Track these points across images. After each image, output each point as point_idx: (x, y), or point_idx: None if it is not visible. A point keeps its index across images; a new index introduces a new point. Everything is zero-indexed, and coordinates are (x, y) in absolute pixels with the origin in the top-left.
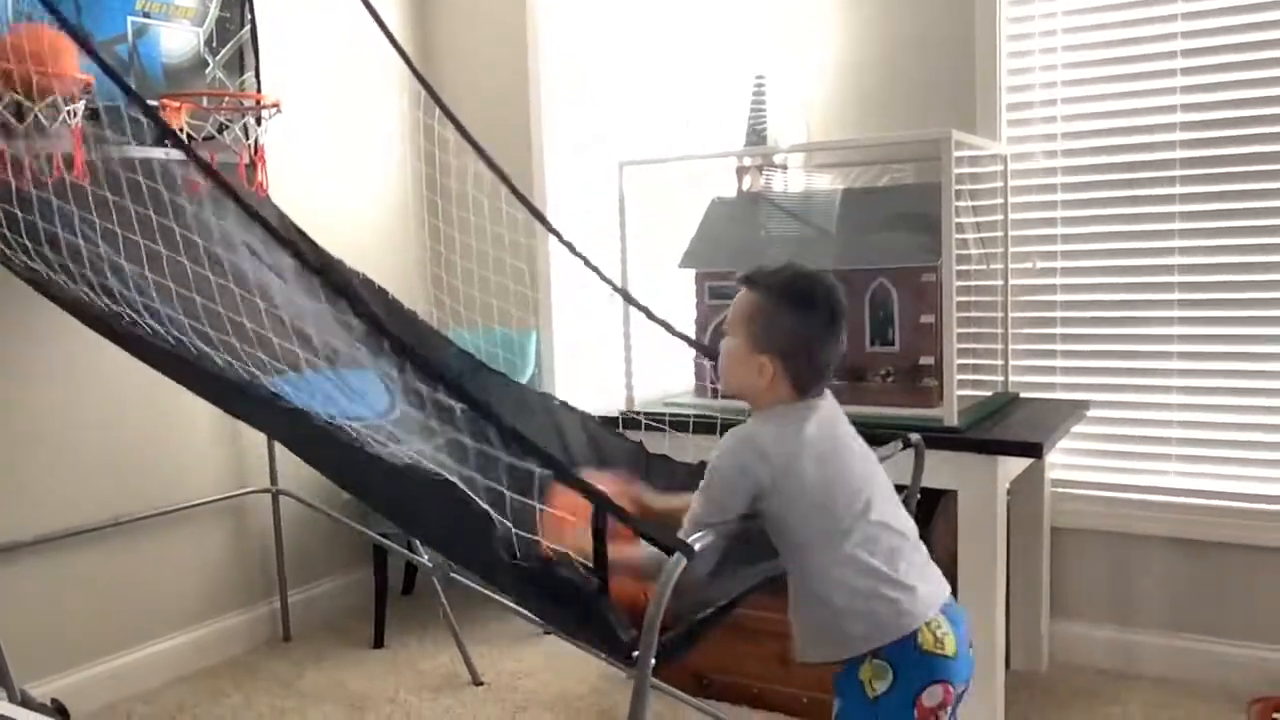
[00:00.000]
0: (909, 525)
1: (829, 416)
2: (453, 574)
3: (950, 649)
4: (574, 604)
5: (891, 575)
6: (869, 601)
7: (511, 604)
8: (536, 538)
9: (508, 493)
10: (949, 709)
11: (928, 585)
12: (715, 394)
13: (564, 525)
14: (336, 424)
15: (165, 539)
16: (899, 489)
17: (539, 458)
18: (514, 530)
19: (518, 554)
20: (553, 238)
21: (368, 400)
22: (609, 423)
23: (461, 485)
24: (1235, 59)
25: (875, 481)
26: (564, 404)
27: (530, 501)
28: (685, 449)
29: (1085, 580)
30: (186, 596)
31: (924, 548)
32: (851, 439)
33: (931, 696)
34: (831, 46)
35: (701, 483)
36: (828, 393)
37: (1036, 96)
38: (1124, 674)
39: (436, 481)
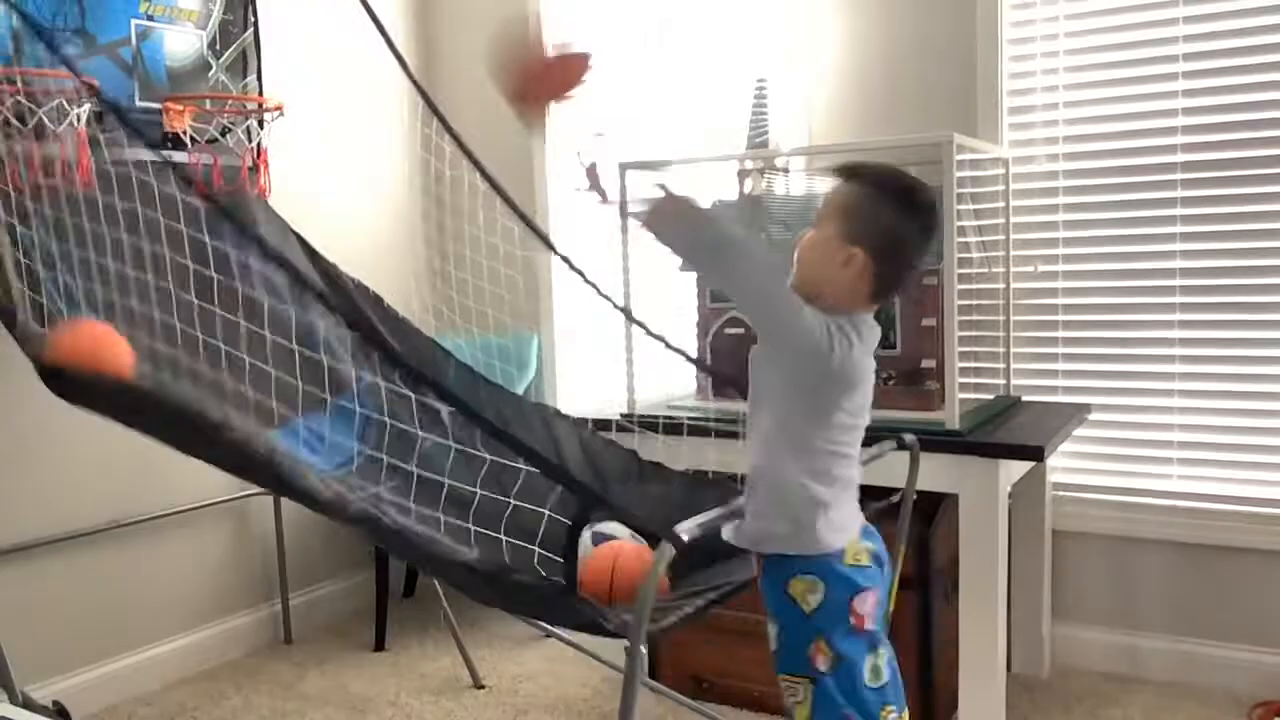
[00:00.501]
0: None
1: (873, 343)
2: None
3: (866, 559)
4: (540, 605)
5: (844, 496)
6: (821, 511)
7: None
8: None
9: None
10: (873, 613)
11: (855, 514)
12: (717, 397)
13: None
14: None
15: (167, 541)
16: (894, 490)
17: (530, 457)
18: (473, 529)
19: (474, 558)
20: (553, 254)
21: (334, 446)
22: (608, 427)
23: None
24: (1237, 63)
25: (868, 413)
26: (558, 412)
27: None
28: (683, 455)
29: (1087, 584)
30: (188, 599)
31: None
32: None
33: (861, 604)
34: (833, 50)
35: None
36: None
37: (1038, 100)
38: (1125, 678)
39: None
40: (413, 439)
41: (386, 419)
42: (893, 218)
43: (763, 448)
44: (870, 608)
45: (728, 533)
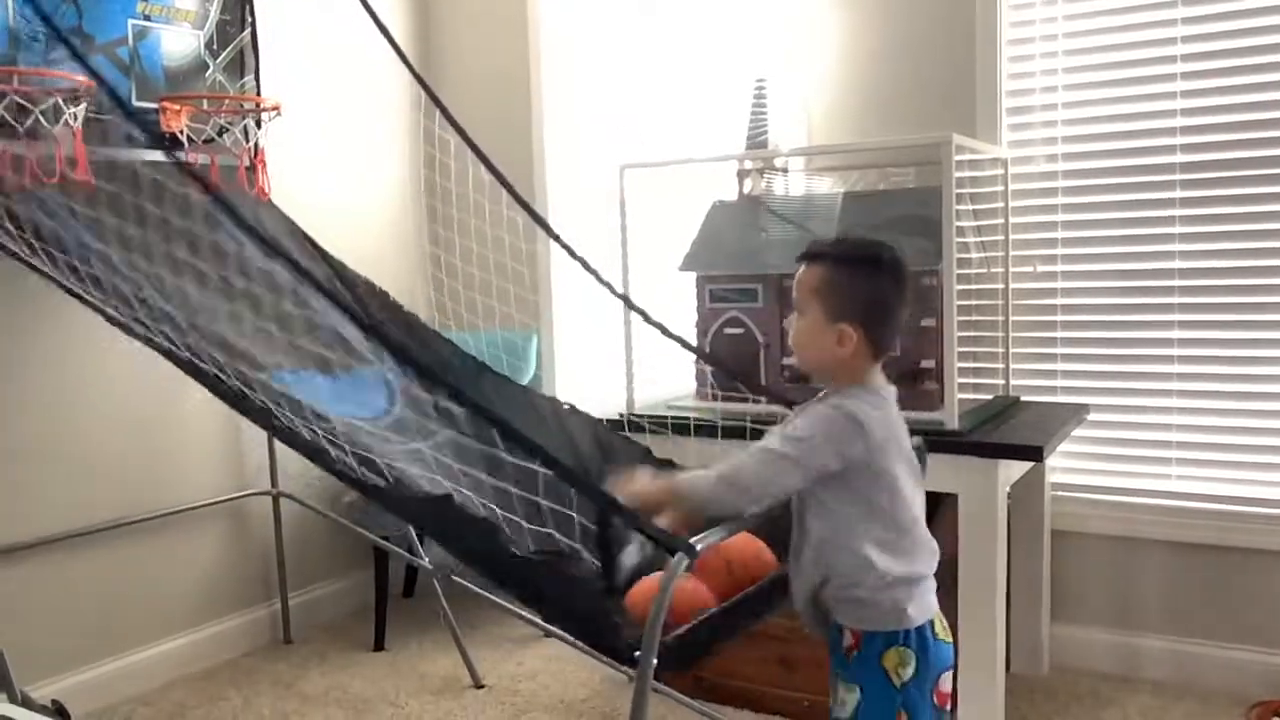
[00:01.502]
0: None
1: (894, 400)
2: (454, 576)
3: (948, 637)
4: (579, 601)
5: (918, 564)
6: (904, 585)
7: (514, 606)
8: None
9: (513, 490)
10: (949, 695)
11: (930, 591)
12: (716, 397)
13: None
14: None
15: (166, 541)
16: None
17: (544, 459)
18: (525, 525)
19: (528, 549)
20: (553, 240)
21: (366, 401)
22: (611, 425)
23: (455, 491)
24: (1235, 64)
25: (915, 477)
26: (572, 408)
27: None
28: (686, 453)
29: (1086, 584)
30: (187, 598)
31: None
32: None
33: (945, 684)
34: (832, 50)
35: (784, 432)
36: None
37: (1037, 100)
38: (1124, 678)
39: (434, 496)
40: (432, 432)
41: (410, 412)
42: (866, 284)
43: (819, 527)
44: (950, 689)
45: (803, 615)
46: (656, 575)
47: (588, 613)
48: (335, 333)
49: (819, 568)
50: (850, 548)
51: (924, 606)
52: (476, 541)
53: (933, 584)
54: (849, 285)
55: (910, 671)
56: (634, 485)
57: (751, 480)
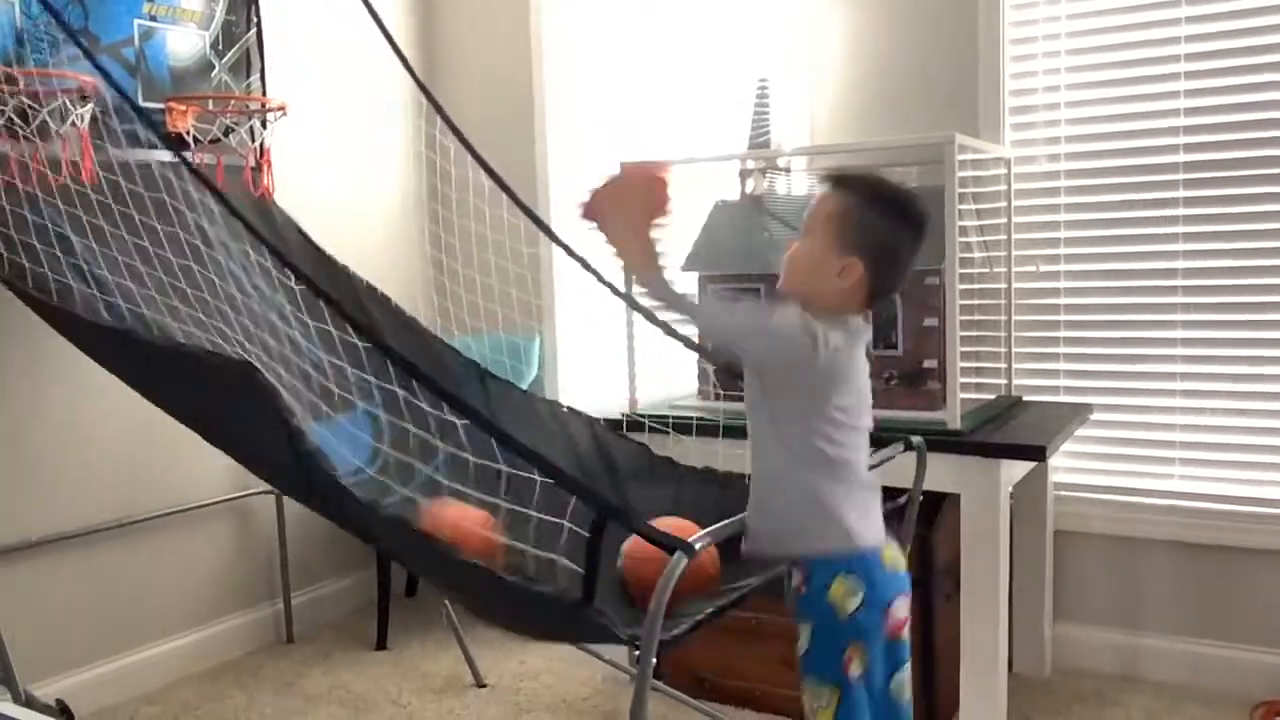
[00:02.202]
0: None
1: (863, 341)
2: None
3: (902, 566)
4: (558, 616)
5: (867, 488)
6: (851, 502)
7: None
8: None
9: (503, 502)
10: (906, 624)
11: (879, 510)
12: (719, 396)
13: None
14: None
15: (169, 540)
16: (901, 491)
17: (542, 467)
18: (529, 550)
19: (518, 575)
20: (554, 244)
21: (350, 451)
22: (613, 425)
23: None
24: (1239, 63)
25: (869, 406)
26: (571, 410)
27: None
28: (689, 453)
29: (1088, 584)
30: (190, 598)
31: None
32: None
33: (898, 610)
34: (835, 50)
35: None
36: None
37: (1040, 100)
38: (1127, 678)
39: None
40: (431, 449)
41: (408, 425)
42: (887, 228)
43: (765, 453)
44: (904, 617)
45: (751, 548)
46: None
47: (569, 624)
48: (321, 371)
49: (766, 492)
50: (792, 463)
51: (866, 531)
52: (437, 562)
53: (877, 512)
54: (868, 221)
55: (857, 601)
56: (634, 244)
57: (718, 315)
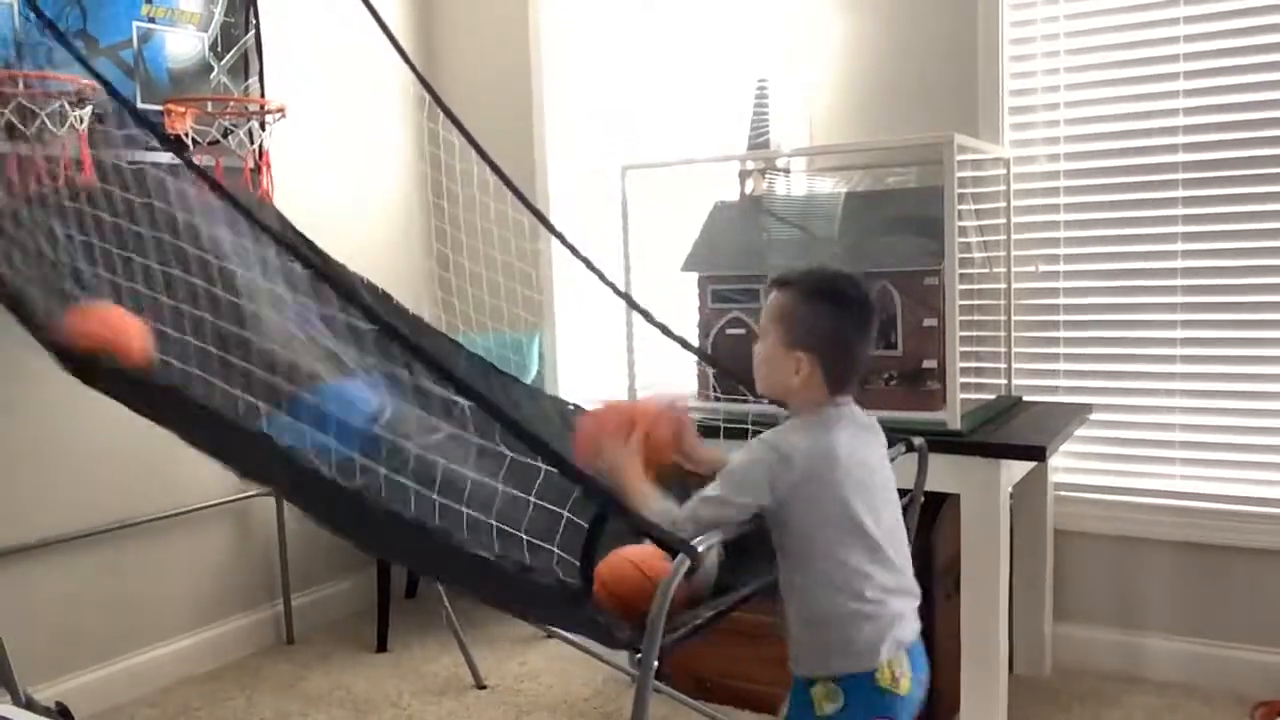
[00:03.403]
0: (906, 559)
1: (863, 432)
2: None
3: (904, 688)
4: (557, 608)
5: (868, 612)
6: (839, 631)
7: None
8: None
9: (500, 485)
10: None
11: (899, 628)
12: (718, 397)
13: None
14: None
15: (169, 542)
16: (902, 493)
17: (544, 453)
18: (495, 525)
19: (495, 554)
20: (556, 240)
21: (354, 409)
22: None
23: (439, 499)
24: (1238, 62)
25: (890, 511)
26: (577, 407)
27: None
28: None
29: (1088, 584)
30: (190, 600)
31: (913, 581)
32: (881, 467)
33: None
34: (834, 50)
35: (722, 472)
36: (859, 410)
37: (1039, 100)
38: (1127, 678)
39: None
40: (432, 429)
41: (407, 402)
42: (826, 316)
43: (794, 592)
44: None
45: (796, 668)
46: (625, 550)
47: (568, 617)
48: (325, 348)
49: (796, 618)
50: (795, 586)
51: (859, 656)
52: (445, 553)
53: (887, 631)
54: (809, 316)
55: (836, 708)
56: (627, 471)
57: (694, 526)
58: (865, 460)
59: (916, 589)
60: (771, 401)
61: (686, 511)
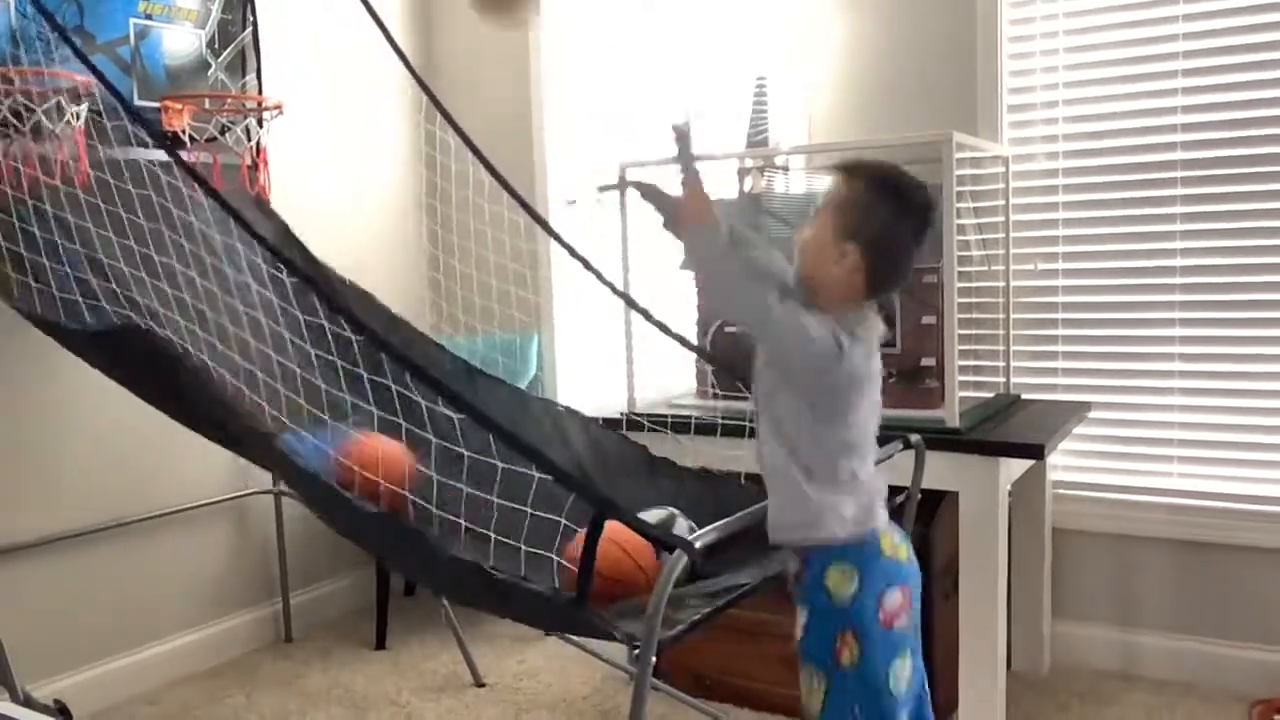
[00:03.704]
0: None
1: (877, 340)
2: None
3: (905, 555)
4: (553, 615)
5: (866, 480)
6: (845, 495)
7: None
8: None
9: (496, 498)
10: (904, 614)
11: (882, 504)
12: (717, 395)
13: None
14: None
15: (168, 540)
16: (899, 489)
17: (540, 463)
18: (494, 536)
19: (490, 564)
20: (554, 240)
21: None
22: (611, 425)
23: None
24: (1237, 60)
25: (875, 421)
26: (568, 409)
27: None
28: (686, 452)
29: (1087, 582)
30: (189, 597)
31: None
32: (880, 374)
33: (892, 600)
34: (833, 48)
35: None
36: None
37: (1038, 98)
38: (1125, 676)
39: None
40: (426, 444)
41: (400, 421)
42: (888, 216)
43: (773, 448)
44: (900, 606)
45: (780, 537)
46: (611, 532)
47: (565, 623)
48: (309, 368)
49: (769, 483)
50: (791, 462)
51: (863, 518)
52: (449, 568)
53: (878, 502)
54: (869, 209)
55: (852, 589)
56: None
57: (760, 298)
58: (878, 370)
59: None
60: (799, 286)
61: (773, 298)
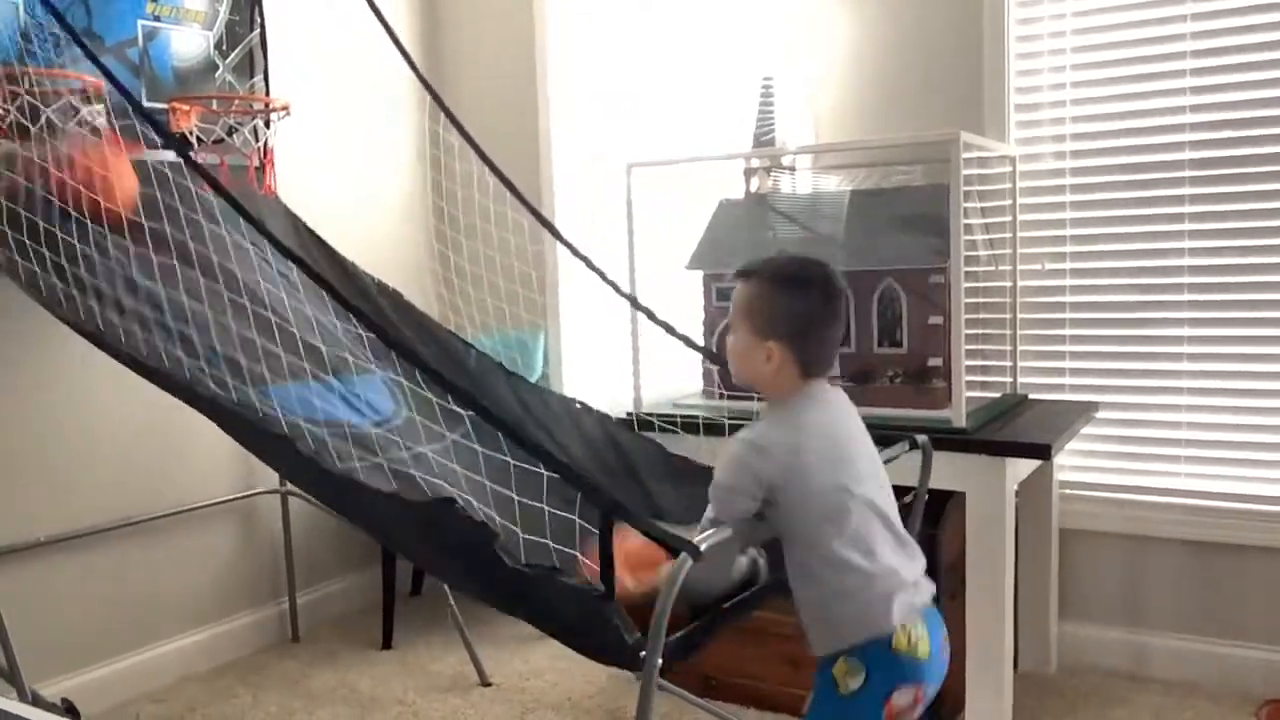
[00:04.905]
0: (902, 528)
1: (835, 411)
2: None
3: (923, 652)
4: (578, 610)
5: (875, 576)
6: (849, 600)
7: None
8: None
9: (516, 498)
10: (917, 710)
11: (909, 593)
12: (723, 395)
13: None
14: (315, 450)
15: (175, 540)
16: (906, 490)
17: (549, 462)
18: (520, 534)
19: (521, 560)
20: (558, 241)
21: (372, 405)
22: (621, 424)
23: (458, 496)
24: (1245, 59)
25: (876, 482)
26: (585, 406)
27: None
28: (692, 451)
29: (1094, 582)
30: (196, 597)
31: (918, 551)
32: (861, 438)
33: (902, 697)
34: (839, 48)
35: (710, 490)
36: (836, 389)
37: (1045, 98)
38: (1133, 676)
39: (420, 503)
40: (440, 437)
41: (415, 414)
42: (793, 302)
43: (799, 574)
44: (909, 705)
45: (811, 648)
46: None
47: (584, 623)
48: (336, 338)
49: (804, 599)
50: (801, 566)
51: (875, 619)
52: (467, 549)
53: (900, 594)
54: (774, 303)
55: (858, 683)
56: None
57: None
58: (848, 434)
59: (920, 555)
60: (746, 391)
61: (704, 549)
